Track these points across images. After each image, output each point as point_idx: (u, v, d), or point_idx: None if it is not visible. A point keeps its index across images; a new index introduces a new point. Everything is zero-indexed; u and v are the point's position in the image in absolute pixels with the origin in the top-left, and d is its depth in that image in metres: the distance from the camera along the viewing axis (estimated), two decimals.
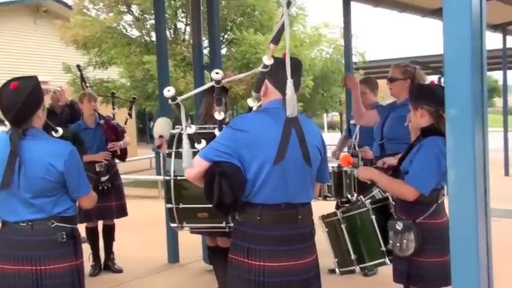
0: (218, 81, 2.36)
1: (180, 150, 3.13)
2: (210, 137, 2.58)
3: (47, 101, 6.34)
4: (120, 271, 5.41)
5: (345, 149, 5.74)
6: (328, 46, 15.96)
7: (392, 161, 3.31)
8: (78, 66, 6.66)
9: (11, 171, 2.45)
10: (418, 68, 4.04)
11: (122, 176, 5.55)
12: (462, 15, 1.78)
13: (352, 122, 5.46)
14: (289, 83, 2.23)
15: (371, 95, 5.10)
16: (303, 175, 2.46)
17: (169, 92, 2.30)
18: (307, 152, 2.42)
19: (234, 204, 2.33)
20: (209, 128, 3.38)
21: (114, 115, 5.70)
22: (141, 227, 7.23)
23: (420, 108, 3.03)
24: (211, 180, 2.31)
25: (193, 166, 2.36)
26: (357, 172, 3.47)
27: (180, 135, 2.82)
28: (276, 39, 2.30)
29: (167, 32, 13.36)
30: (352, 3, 8.29)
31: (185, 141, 2.40)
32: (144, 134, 25.83)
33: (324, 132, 34.19)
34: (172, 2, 13.00)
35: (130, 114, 5.88)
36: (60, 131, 2.85)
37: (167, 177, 3.53)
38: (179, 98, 2.36)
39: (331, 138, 13.24)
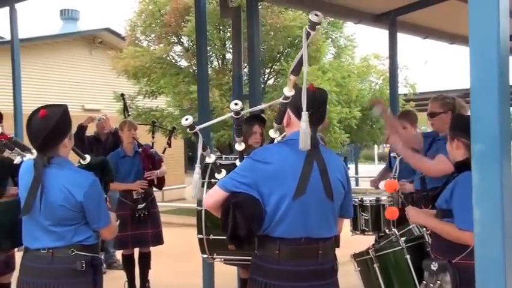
0: (237, 113, 2.33)
1: (212, 180, 3.10)
2: (230, 168, 2.53)
3: (93, 128, 6.56)
4: None
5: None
6: (377, 77, 15.81)
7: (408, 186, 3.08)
8: (122, 95, 6.83)
9: (32, 197, 2.48)
10: (457, 98, 3.89)
11: (167, 204, 5.59)
12: (489, 46, 1.69)
13: (392, 154, 5.30)
14: (304, 116, 2.16)
15: (411, 130, 4.94)
16: (325, 209, 2.38)
17: (187, 120, 2.28)
18: (329, 186, 2.34)
19: (248, 236, 2.26)
20: (232, 158, 3.34)
21: (153, 144, 5.76)
22: (179, 255, 7.22)
23: (456, 140, 2.89)
24: (227, 211, 2.26)
25: (201, 196, 2.31)
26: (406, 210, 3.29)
27: (216, 164, 2.78)
28: (297, 71, 2.24)
29: (215, 62, 13.63)
30: (400, 35, 8.19)
31: (196, 171, 2.36)
32: (194, 162, 26.18)
33: (374, 164, 33.64)
34: (222, 33, 13.23)
35: (169, 144, 5.93)
36: (88, 158, 2.87)
37: (199, 208, 3.50)
38: (197, 127, 2.34)
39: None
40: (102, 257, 6.51)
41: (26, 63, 10.98)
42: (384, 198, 4.62)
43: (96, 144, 6.38)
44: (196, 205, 3.49)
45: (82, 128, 6.24)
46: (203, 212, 3.45)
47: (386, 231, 4.42)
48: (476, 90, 1.70)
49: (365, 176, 16.25)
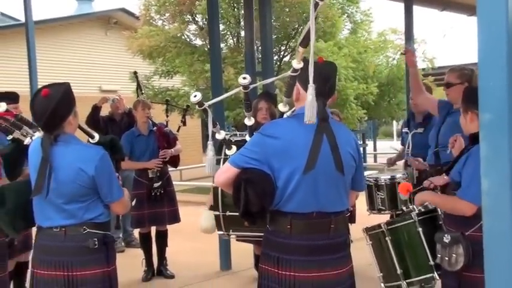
0: (246, 87, 2.31)
1: (227, 157, 3.11)
2: (241, 144, 2.53)
3: (108, 108, 6.59)
4: (172, 277, 5.46)
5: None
6: (395, 52, 15.62)
7: (440, 181, 3.09)
8: (135, 72, 6.84)
9: (42, 177, 2.50)
10: (476, 70, 3.81)
11: (184, 183, 5.62)
12: (497, 15, 1.64)
13: (404, 130, 5.24)
14: (311, 88, 2.13)
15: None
16: (336, 183, 2.36)
17: (195, 97, 2.28)
18: (339, 160, 2.32)
19: (260, 212, 2.27)
20: (244, 134, 3.34)
21: (167, 122, 5.78)
22: (197, 233, 7.20)
23: (470, 112, 2.84)
24: (239, 187, 2.26)
25: (215, 172, 2.32)
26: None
27: (226, 141, 2.78)
28: (305, 43, 2.21)
29: (230, 40, 13.56)
30: (416, 8, 8.05)
31: (210, 148, 2.36)
32: None
33: (393, 140, 33.37)
34: (236, 10, 13.14)
35: (184, 122, 5.94)
36: (97, 137, 2.88)
37: (215, 185, 3.52)
38: (206, 104, 2.33)
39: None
40: (121, 235, 6.62)
41: (41, 45, 11.03)
42: (398, 176, 4.59)
43: (111, 125, 6.42)
44: (212, 182, 3.51)
45: (96, 109, 6.28)
46: (219, 189, 3.47)
47: (404, 209, 4.39)
48: (483, 59, 1.66)
49: (383, 153, 16.13)
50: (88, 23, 16.57)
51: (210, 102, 2.39)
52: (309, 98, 2.13)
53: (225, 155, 3.20)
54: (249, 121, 2.55)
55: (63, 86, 2.59)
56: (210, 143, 2.41)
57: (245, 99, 2.41)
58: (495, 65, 1.64)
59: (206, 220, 3.65)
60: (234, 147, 2.48)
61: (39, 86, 7.35)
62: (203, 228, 3.66)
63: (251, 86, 2.37)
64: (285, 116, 2.58)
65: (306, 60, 2.30)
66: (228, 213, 3.47)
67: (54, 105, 2.50)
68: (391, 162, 5.44)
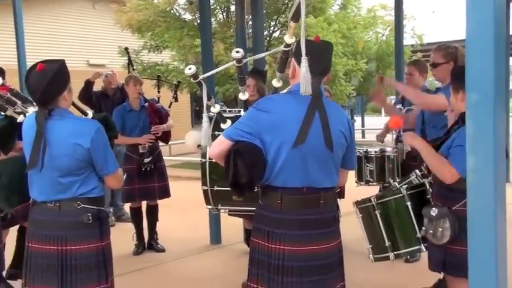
0: (239, 60, 2.34)
1: (216, 133, 3.16)
2: (235, 118, 2.57)
3: (100, 84, 6.57)
4: (162, 250, 5.54)
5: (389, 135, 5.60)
6: (384, 28, 15.61)
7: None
8: (126, 49, 6.80)
9: (37, 151, 2.52)
10: (460, 47, 3.85)
11: (174, 158, 5.64)
12: None
13: (398, 106, 5.30)
14: (304, 61, 2.17)
15: (419, 78, 4.91)
16: (325, 159, 2.41)
17: (190, 70, 2.30)
18: (329, 137, 2.37)
19: (249, 184, 2.31)
20: (236, 111, 3.38)
21: (159, 98, 5.78)
22: (187, 208, 7.36)
23: (461, 92, 2.89)
24: (229, 158, 2.31)
25: (211, 144, 2.36)
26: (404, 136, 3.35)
27: (221, 114, 2.82)
28: (296, 17, 2.23)
29: (220, 15, 13.46)
30: None
31: (205, 120, 2.40)
32: (200, 116, 26.21)
33: (381, 116, 33.51)
34: None
35: (175, 98, 5.93)
36: (90, 114, 2.90)
37: (203, 160, 3.56)
38: (201, 77, 2.36)
39: None
40: (111, 210, 6.67)
41: (28, 18, 10.84)
42: (388, 149, 4.68)
43: (103, 100, 6.39)
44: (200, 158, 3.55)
45: (89, 84, 6.25)
46: (207, 163, 3.51)
47: (391, 181, 4.49)
48: (471, 41, 1.71)
49: (371, 128, 16.25)
50: None
51: (205, 75, 2.41)
52: (303, 70, 2.17)
53: (213, 131, 3.25)
54: (243, 95, 2.59)
55: (58, 62, 2.60)
56: (205, 115, 2.44)
57: (238, 73, 2.44)
58: (482, 46, 1.69)
59: (190, 136, 3.67)
60: (228, 121, 2.51)
61: (27, 60, 7.28)
62: (186, 144, 3.70)
63: (244, 60, 2.39)
64: (280, 91, 2.61)
65: (298, 36, 2.34)
66: (216, 187, 3.53)
67: (49, 80, 2.51)
68: (381, 139, 5.51)
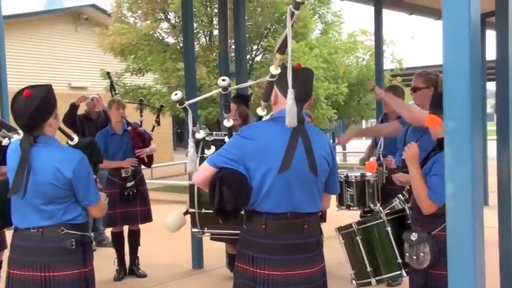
0: (225, 88, 2.38)
1: (204, 155, 3.17)
2: (220, 144, 2.60)
3: (84, 107, 6.55)
4: (144, 276, 5.48)
5: (372, 158, 5.67)
6: (364, 53, 15.86)
7: (405, 178, 3.21)
8: (108, 73, 6.83)
9: (20, 177, 2.51)
10: (440, 75, 3.95)
11: (156, 181, 5.62)
12: (461, 24, 1.75)
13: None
14: (290, 93, 2.23)
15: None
16: (309, 185, 2.46)
17: (176, 95, 2.33)
18: (313, 162, 2.42)
19: (234, 210, 2.33)
20: (221, 135, 3.40)
21: (141, 122, 5.79)
22: (168, 233, 7.26)
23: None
24: (214, 185, 2.33)
25: (197, 170, 2.38)
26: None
27: (205, 140, 2.84)
28: (282, 49, 2.30)
29: (203, 39, 13.57)
30: (386, 11, 8.23)
31: (190, 145, 2.42)
32: (182, 139, 26.18)
33: (362, 140, 33.81)
34: (209, 9, 13.16)
35: (158, 122, 5.95)
36: (76, 139, 2.90)
37: (191, 182, 3.56)
38: (187, 102, 2.39)
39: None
40: (92, 234, 6.59)
41: (10, 40, 10.82)
42: (368, 174, 4.73)
43: (87, 123, 6.37)
44: (188, 180, 3.54)
45: (74, 107, 6.21)
46: (195, 187, 3.51)
47: (371, 206, 4.53)
48: (448, 72, 1.77)
49: (353, 152, 16.39)
50: (58, 18, 16.33)
51: (190, 101, 2.45)
52: (289, 103, 2.23)
53: (202, 153, 3.26)
54: (228, 122, 2.62)
55: (45, 87, 2.60)
56: (190, 140, 2.47)
57: (224, 101, 2.48)
58: (459, 77, 1.75)
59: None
60: (212, 147, 2.54)
61: (9, 83, 7.22)
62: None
63: (230, 88, 2.44)
64: (263, 119, 2.66)
65: (283, 66, 2.40)
66: (203, 210, 3.52)
67: (35, 107, 2.51)
68: (364, 163, 5.58)
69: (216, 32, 13.22)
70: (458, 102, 1.75)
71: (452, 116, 1.78)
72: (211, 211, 3.45)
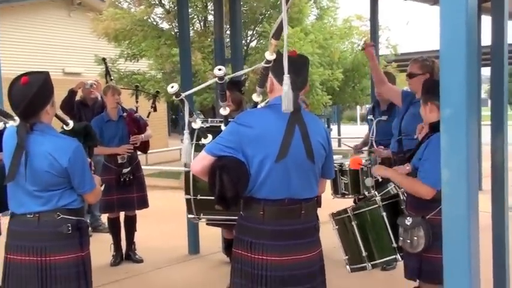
0: (221, 78, 2.39)
1: (199, 142, 3.18)
2: (216, 132, 2.61)
3: (79, 93, 6.51)
4: (140, 261, 5.52)
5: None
6: (359, 39, 15.81)
7: (404, 170, 3.26)
8: (103, 59, 6.79)
9: (16, 164, 2.53)
10: (436, 61, 3.96)
11: (150, 167, 5.62)
12: (458, 11, 1.76)
13: (369, 117, 5.41)
14: (286, 79, 2.23)
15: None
16: (306, 171, 2.48)
17: (172, 88, 2.34)
18: (310, 149, 2.44)
19: (234, 197, 2.35)
20: (216, 121, 3.41)
21: (137, 108, 5.78)
22: (165, 218, 7.35)
23: (430, 103, 3.00)
24: (214, 174, 2.34)
25: (191, 161, 2.39)
26: (373, 169, 3.48)
27: (202, 130, 2.85)
28: (277, 35, 2.30)
29: (198, 24, 13.48)
30: None
31: (186, 136, 2.43)
32: (177, 125, 26.14)
33: (356, 125, 33.90)
34: None
35: (154, 108, 5.94)
36: (71, 124, 2.90)
37: (187, 169, 3.57)
38: (183, 94, 2.39)
39: (365, 131, 13.22)
40: (88, 220, 6.60)
41: (4, 26, 10.75)
42: (362, 162, 4.76)
43: (83, 109, 6.33)
44: (183, 167, 3.56)
45: (73, 93, 6.18)
46: (191, 173, 3.53)
47: (366, 193, 4.57)
48: (444, 59, 1.77)
49: (347, 137, 16.42)
50: (51, 3, 16.14)
51: (187, 93, 2.45)
52: (285, 88, 2.23)
53: (197, 140, 3.27)
54: (224, 111, 2.63)
55: (42, 74, 2.60)
56: (186, 132, 2.47)
57: (220, 90, 2.48)
58: (455, 64, 1.76)
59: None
60: (209, 136, 2.55)
61: (2, 68, 7.18)
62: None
63: (226, 77, 2.44)
64: (259, 105, 2.66)
65: (278, 53, 2.40)
66: (199, 196, 3.53)
67: (32, 94, 2.51)
68: (358, 149, 5.61)
69: (210, 18, 13.14)
70: (454, 89, 1.76)
71: (449, 103, 1.79)
72: (206, 197, 3.52)
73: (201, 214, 3.65)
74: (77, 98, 6.46)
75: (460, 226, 1.77)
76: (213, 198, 3.44)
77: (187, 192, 3.56)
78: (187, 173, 3.53)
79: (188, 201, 3.56)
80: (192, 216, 3.67)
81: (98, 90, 6.27)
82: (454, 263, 1.79)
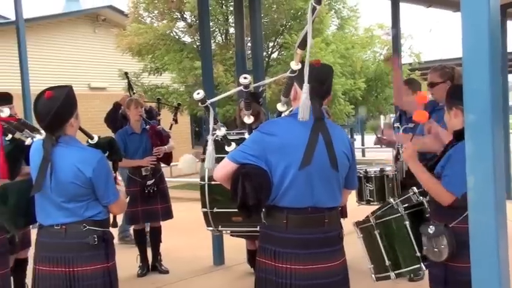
0: (246, 86, 2.40)
1: (218, 156, 3.19)
2: (240, 140, 2.63)
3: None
4: (166, 272, 5.55)
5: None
6: (381, 47, 15.76)
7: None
8: (125, 73, 6.88)
9: (42, 176, 2.59)
10: (456, 67, 3.93)
11: (175, 179, 5.68)
12: (480, 17, 1.75)
13: (396, 125, 5.36)
14: (305, 87, 2.24)
15: (413, 97, 4.98)
16: (330, 180, 2.47)
17: (198, 94, 2.36)
18: (334, 157, 2.43)
19: (256, 206, 2.35)
20: (234, 133, 3.43)
21: (159, 120, 5.85)
22: (190, 229, 7.35)
23: (454, 108, 2.95)
24: (236, 181, 2.35)
25: (214, 167, 2.40)
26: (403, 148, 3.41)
27: (226, 137, 2.88)
28: (303, 45, 2.30)
29: (219, 37, 13.61)
30: (403, 4, 8.18)
31: (210, 143, 2.44)
32: (200, 137, 26.27)
33: (380, 135, 33.53)
34: (224, 7, 13.19)
35: (175, 120, 6.01)
36: (96, 138, 2.96)
37: (202, 182, 3.60)
38: (208, 101, 2.42)
39: None
40: (117, 230, 6.64)
41: (31, 43, 10.96)
42: (388, 168, 4.72)
43: (125, 122, 6.41)
44: (199, 180, 3.60)
45: (118, 106, 6.23)
46: (206, 186, 3.56)
47: (391, 200, 4.52)
48: (468, 64, 1.76)
49: (371, 147, 16.31)
50: (76, 20, 16.48)
51: (212, 100, 2.47)
52: (303, 97, 2.24)
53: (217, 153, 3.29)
54: (248, 119, 2.65)
55: (66, 88, 2.66)
56: (210, 138, 2.49)
57: (245, 98, 2.51)
58: (478, 69, 1.75)
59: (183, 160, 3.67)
60: (233, 144, 2.57)
61: (30, 85, 7.35)
62: (180, 167, 3.74)
63: (251, 86, 2.46)
64: (283, 115, 2.68)
65: (303, 62, 2.41)
66: (215, 209, 3.56)
67: (57, 107, 2.58)
68: (381, 142, 5.55)
69: (231, 30, 13.26)
70: (478, 95, 1.75)
71: (473, 109, 1.77)
72: (222, 210, 3.54)
73: (219, 226, 3.67)
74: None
75: (487, 233, 1.75)
76: (229, 210, 3.50)
77: (203, 206, 3.59)
78: (202, 186, 3.57)
79: (205, 214, 3.59)
80: (211, 228, 3.69)
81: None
82: (482, 270, 1.77)
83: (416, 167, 3.07)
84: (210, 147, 2.45)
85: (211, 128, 2.49)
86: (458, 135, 2.91)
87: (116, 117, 6.20)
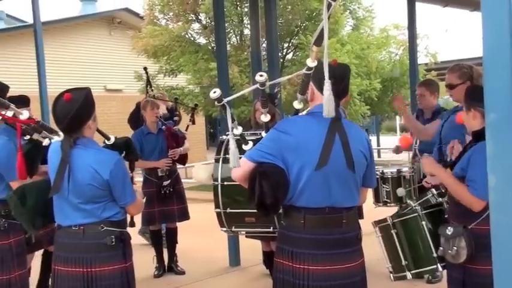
0: (262, 84, 2.39)
1: (227, 156, 3.19)
2: (257, 140, 2.62)
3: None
4: (182, 273, 5.57)
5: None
6: (397, 48, 15.64)
7: (437, 180, 3.16)
8: (145, 68, 6.87)
9: (60, 178, 2.62)
10: (474, 67, 3.86)
11: (190, 180, 5.69)
12: (501, 17, 1.72)
13: None
14: (327, 84, 2.22)
15: (431, 98, 4.95)
16: (347, 180, 2.45)
17: (215, 93, 2.36)
18: (350, 157, 2.42)
19: (274, 205, 2.34)
20: (248, 134, 3.42)
21: (175, 121, 5.86)
22: (205, 230, 7.34)
23: (473, 109, 2.91)
24: (254, 180, 2.34)
25: (239, 165, 2.39)
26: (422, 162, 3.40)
27: (243, 136, 2.87)
28: (318, 42, 2.28)
29: (234, 38, 13.63)
30: (419, 4, 8.10)
31: (231, 142, 2.43)
32: (215, 138, 26.36)
33: (396, 135, 33.37)
34: (239, 9, 13.21)
35: (193, 121, 6.01)
36: (112, 138, 2.98)
37: (215, 183, 3.61)
38: (225, 100, 2.41)
39: None
40: (139, 228, 6.62)
41: (48, 45, 11.06)
42: (404, 169, 4.69)
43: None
44: (213, 181, 3.61)
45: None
46: (219, 186, 3.57)
47: (409, 201, 4.48)
48: (488, 62, 1.73)
49: (387, 148, 16.19)
50: (92, 23, 16.67)
51: (229, 98, 2.46)
52: (326, 94, 2.22)
53: (225, 154, 3.27)
54: (265, 117, 2.64)
55: (84, 90, 2.69)
56: (230, 136, 2.48)
57: (261, 96, 2.50)
58: (500, 67, 1.72)
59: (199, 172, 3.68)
60: (250, 143, 2.56)
61: (48, 87, 7.41)
62: (198, 179, 3.76)
63: (267, 84, 2.44)
64: (300, 113, 2.66)
65: (319, 61, 2.39)
66: (228, 210, 3.57)
67: (75, 109, 2.60)
68: (397, 150, 5.56)
69: (246, 31, 13.28)
70: (499, 94, 1.72)
71: (494, 108, 1.74)
72: (236, 210, 3.55)
73: (233, 227, 3.68)
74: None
75: (508, 233, 1.72)
76: (242, 211, 3.50)
77: (216, 206, 3.60)
78: (215, 187, 3.57)
79: (218, 214, 3.60)
80: (225, 229, 3.69)
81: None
82: (504, 271, 1.73)
83: (441, 173, 3.01)
84: (233, 146, 2.43)
85: (230, 126, 2.48)
86: (477, 136, 2.88)
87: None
